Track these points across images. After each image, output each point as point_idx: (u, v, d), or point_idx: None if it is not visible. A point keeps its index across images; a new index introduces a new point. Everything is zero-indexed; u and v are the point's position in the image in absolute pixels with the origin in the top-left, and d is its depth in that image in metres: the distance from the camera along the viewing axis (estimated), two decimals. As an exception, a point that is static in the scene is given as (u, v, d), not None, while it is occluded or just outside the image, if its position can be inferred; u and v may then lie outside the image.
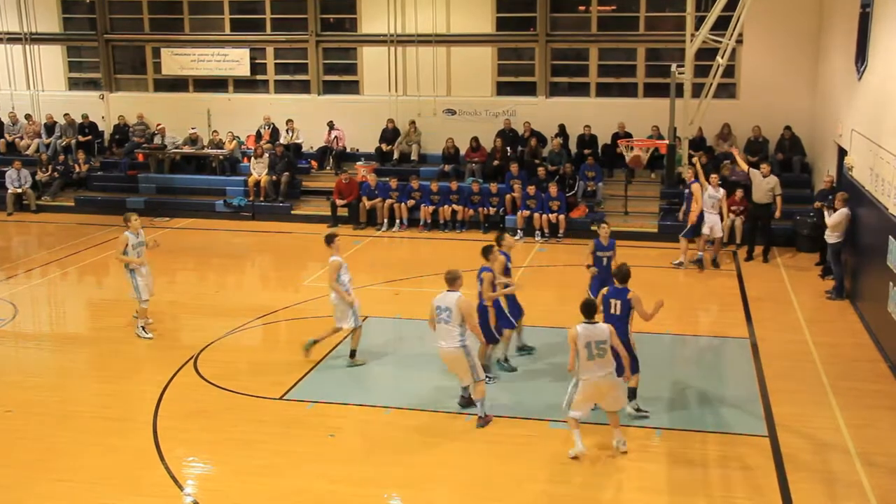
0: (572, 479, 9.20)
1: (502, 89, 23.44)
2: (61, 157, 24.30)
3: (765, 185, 17.72)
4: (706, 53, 17.78)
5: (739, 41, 19.64)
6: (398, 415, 10.73)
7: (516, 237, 19.78)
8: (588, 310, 9.57)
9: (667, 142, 18.73)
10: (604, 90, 22.94)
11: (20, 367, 12.78)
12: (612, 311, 10.35)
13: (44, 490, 9.09)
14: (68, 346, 13.63)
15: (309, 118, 23.70)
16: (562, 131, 22.18)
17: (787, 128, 20.95)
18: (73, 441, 10.08)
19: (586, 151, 21.75)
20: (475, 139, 22.27)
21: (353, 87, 24.31)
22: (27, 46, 25.84)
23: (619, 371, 9.76)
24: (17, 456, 9.79)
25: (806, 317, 14.23)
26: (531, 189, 20.04)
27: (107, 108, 25.68)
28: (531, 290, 15.92)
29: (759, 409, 10.79)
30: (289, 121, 23.65)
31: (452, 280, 10.42)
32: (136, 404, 11.00)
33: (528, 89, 23.23)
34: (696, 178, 17.32)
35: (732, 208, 18.90)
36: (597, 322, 9.55)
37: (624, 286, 10.44)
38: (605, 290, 10.60)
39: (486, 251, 11.80)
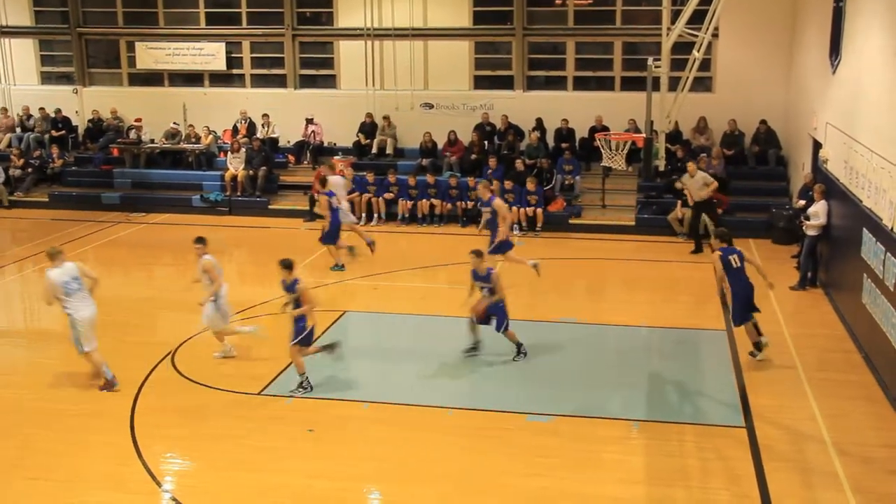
0: (551, 471, 9.24)
1: (479, 83, 23.44)
2: (35, 152, 24.05)
3: (696, 183, 18.04)
4: (682, 47, 17.81)
5: (715, 35, 19.73)
6: (377, 409, 10.74)
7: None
8: None
9: (644, 135, 18.77)
10: (581, 84, 23.00)
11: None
12: None
13: (20, 488, 9.00)
14: (43, 342, 13.49)
15: (285, 112, 23.61)
16: (539, 125, 22.23)
17: (763, 121, 21.11)
18: (48, 438, 9.99)
19: (564, 145, 21.80)
20: (453, 133, 22.26)
21: (329, 82, 24.22)
22: (-1, 40, 25.56)
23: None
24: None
25: (781, 309, 14.34)
26: (508, 183, 20.06)
27: (81, 103, 25.42)
28: (508, 282, 15.96)
29: (736, 401, 10.88)
30: (265, 115, 23.55)
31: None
32: (112, 400, 10.92)
33: (506, 83, 23.24)
34: (494, 196, 15.78)
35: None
36: None
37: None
38: None
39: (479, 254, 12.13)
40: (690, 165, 18.33)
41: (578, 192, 21.08)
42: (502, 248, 15.14)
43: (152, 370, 11.87)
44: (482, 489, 8.93)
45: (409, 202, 20.71)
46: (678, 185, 19.10)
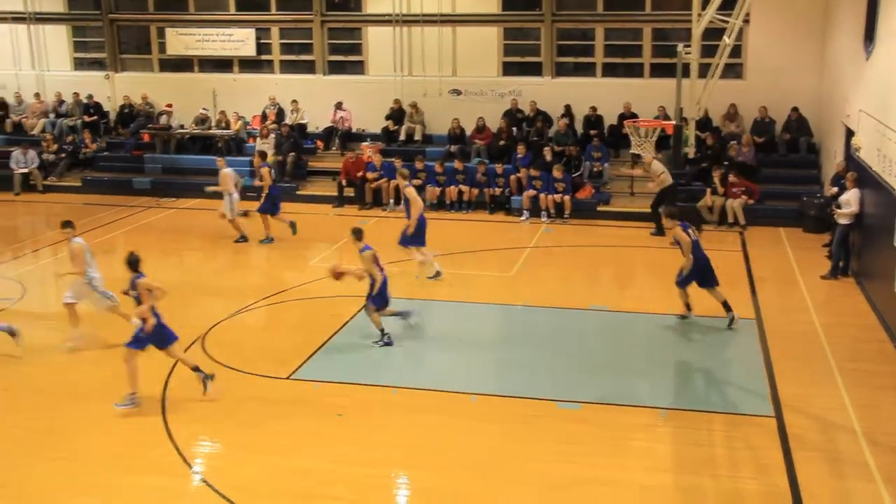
0: (578, 458, 9.22)
1: (508, 69, 23.31)
2: (68, 138, 24.28)
3: (655, 172, 18.27)
4: (713, 33, 17.63)
5: (746, 21, 19.48)
6: (405, 394, 10.76)
7: (522, 218, 19.83)
8: None
9: (673, 122, 18.62)
10: (610, 70, 22.82)
11: (27, 346, 12.81)
12: None
13: (48, 468, 9.11)
14: (77, 324, 13.63)
15: (314, 98, 23.64)
16: (568, 111, 22.09)
17: (795, 108, 20.84)
18: (79, 419, 10.12)
19: (592, 132, 21.67)
20: (481, 119, 22.19)
21: (358, 68, 24.21)
22: (31, 26, 25.74)
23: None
24: (20, 434, 9.83)
25: (812, 297, 14.20)
26: (535, 171, 19.99)
27: (112, 89, 25.61)
28: (537, 270, 15.97)
29: (764, 390, 10.79)
30: (294, 101, 23.60)
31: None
32: (143, 383, 10.97)
33: (534, 69, 23.09)
34: (409, 183, 15.68)
35: (734, 190, 18.88)
36: None
37: None
38: None
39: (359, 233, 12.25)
40: (646, 157, 18.45)
41: (607, 180, 20.95)
42: (413, 240, 14.96)
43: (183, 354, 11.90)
44: (509, 476, 8.92)
45: (437, 188, 20.69)
46: (632, 172, 19.55)
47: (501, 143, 21.70)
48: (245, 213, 18.00)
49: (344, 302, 13.67)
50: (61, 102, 25.44)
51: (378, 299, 12.18)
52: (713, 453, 9.35)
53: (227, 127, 23.56)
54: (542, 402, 10.47)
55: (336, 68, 24.37)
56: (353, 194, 21.14)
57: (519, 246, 17.73)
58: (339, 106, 23.33)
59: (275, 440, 9.63)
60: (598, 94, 22.20)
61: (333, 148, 23.28)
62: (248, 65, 24.84)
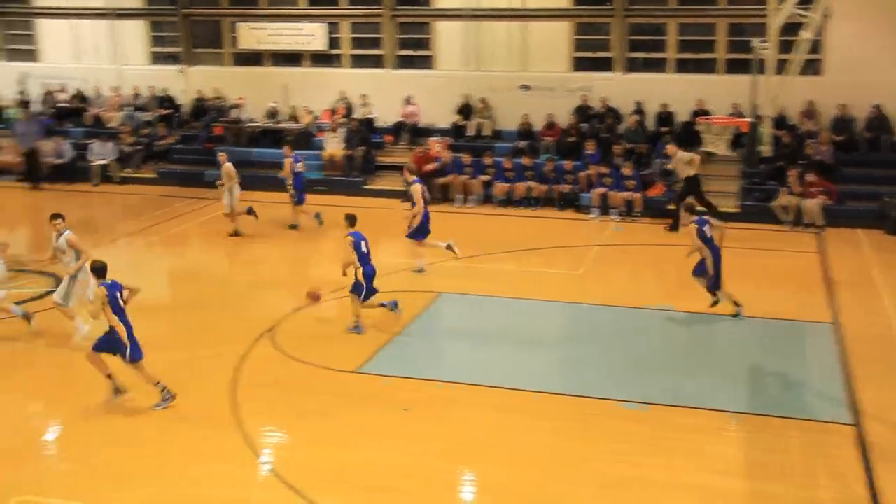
0: (639, 459, 9.08)
1: (578, 65, 23.07)
2: (144, 131, 24.84)
3: (679, 161, 17.95)
4: (790, 28, 17.19)
5: (826, 15, 18.93)
6: (471, 391, 10.74)
7: (591, 215, 19.63)
8: None
9: (748, 119, 18.25)
10: (682, 66, 22.41)
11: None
12: None
13: (113, 455, 9.28)
14: (150, 314, 13.91)
15: (383, 93, 23.71)
16: (639, 108, 21.78)
17: (876, 106, 20.19)
18: (148, 405, 10.28)
19: (664, 129, 21.32)
20: (550, 115, 22.02)
21: (427, 62, 24.22)
22: (112, 22, 26.38)
23: None
24: (93, 422, 10.06)
25: (893, 301, 13.74)
26: (605, 168, 19.77)
27: (186, 83, 26.10)
28: (605, 268, 15.79)
29: (842, 396, 10.48)
30: (363, 95, 23.73)
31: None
32: (213, 373, 11.20)
33: (605, 65, 22.80)
34: (417, 179, 15.66)
35: (811, 190, 18.38)
36: None
37: None
38: None
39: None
40: (669, 147, 18.36)
41: (678, 178, 20.56)
42: (417, 233, 15.11)
43: (252, 345, 12.11)
44: (570, 475, 8.84)
45: (505, 185, 20.61)
46: (669, 166, 19.01)
47: (571, 139, 21.50)
48: (250, 212, 18.21)
49: (412, 297, 13.73)
50: (137, 96, 26.05)
51: (359, 287, 12.37)
52: (785, 460, 9.10)
53: (297, 121, 23.81)
54: (605, 402, 10.35)
55: (405, 63, 24.43)
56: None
57: (588, 244, 17.57)
58: (407, 101, 23.38)
59: (342, 433, 9.69)
60: (670, 91, 21.82)
61: (402, 142, 23.33)
62: (319, 59, 25.05)
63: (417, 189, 15.14)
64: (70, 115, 26.20)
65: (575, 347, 12.43)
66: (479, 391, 10.72)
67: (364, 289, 12.38)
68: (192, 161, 23.86)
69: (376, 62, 24.56)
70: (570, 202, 20.15)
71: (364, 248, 12.51)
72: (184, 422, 9.96)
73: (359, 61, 24.82)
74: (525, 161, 20.72)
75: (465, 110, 23.16)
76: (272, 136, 24.00)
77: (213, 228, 18.70)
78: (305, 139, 23.54)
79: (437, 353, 12.00)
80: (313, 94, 24.38)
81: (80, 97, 26.59)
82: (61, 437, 9.96)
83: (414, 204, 15.15)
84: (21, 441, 9.63)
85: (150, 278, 16.55)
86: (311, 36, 24.80)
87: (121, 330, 10.06)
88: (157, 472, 8.92)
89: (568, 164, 20.49)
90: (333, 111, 23.86)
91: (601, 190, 19.74)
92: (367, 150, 22.58)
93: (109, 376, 10.36)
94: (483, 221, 19.61)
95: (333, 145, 22.61)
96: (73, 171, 23.63)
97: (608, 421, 9.89)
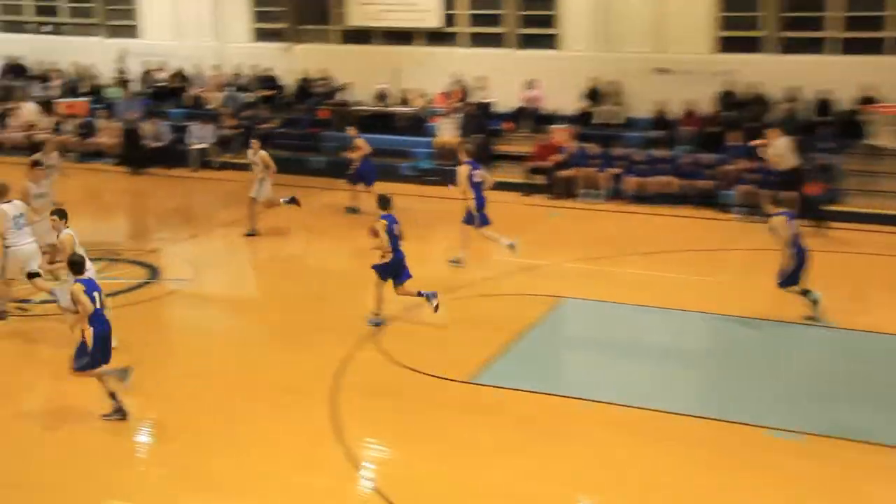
0: (798, 499, 8.62)
1: (723, 45, 22.38)
2: (245, 112, 25.39)
3: (778, 150, 17.76)
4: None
5: None
6: (596, 408, 10.43)
7: (735, 214, 19.03)
8: None
9: (924, 109, 17.32)
10: (846, 46, 21.43)
11: (201, 331, 13.47)
12: None
13: (205, 461, 9.43)
14: (248, 310, 14.21)
15: (503, 75, 23.47)
16: (793, 94, 20.96)
17: None
18: (247, 410, 10.43)
19: (821, 118, 20.46)
20: (689, 102, 21.44)
21: (551, 42, 23.92)
22: (215, -4, 27.18)
23: None
24: (198, 422, 10.23)
25: None
26: (752, 162, 19.11)
27: (291, 61, 26.54)
28: (750, 275, 15.20)
29: None
30: (481, 78, 23.60)
31: None
32: (314, 376, 11.26)
33: (753, 45, 22.05)
34: (469, 160, 15.69)
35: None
36: None
37: None
38: None
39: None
40: (771, 132, 18.05)
41: (839, 174, 19.70)
42: (473, 219, 15.29)
43: (356, 348, 12.13)
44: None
45: (636, 179, 20.19)
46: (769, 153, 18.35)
47: (712, 129, 20.89)
48: (292, 201, 18.16)
49: (532, 300, 13.56)
50: (239, 76, 26.66)
51: (382, 271, 12.66)
52: None
53: (408, 104, 23.91)
54: (753, 429, 9.87)
55: (528, 42, 24.20)
56: (542, 182, 20.94)
57: (729, 247, 17.00)
58: (530, 85, 23.17)
59: (454, 450, 9.57)
60: (830, 74, 20.88)
61: (523, 130, 23.10)
62: (433, 38, 25.09)
63: (461, 171, 15.38)
64: (169, 95, 27.07)
65: (714, 364, 12.04)
66: (608, 410, 10.41)
67: (388, 273, 12.72)
68: (295, 147, 24.21)
69: (496, 41, 24.41)
70: (709, 200, 19.55)
71: (396, 233, 12.75)
72: (281, 430, 10.02)
73: (477, 40, 24.71)
74: (659, 153, 20.24)
75: (594, 95, 22.79)
76: (381, 121, 24.15)
77: (315, 219, 18.92)
78: (417, 125, 23.61)
79: (561, 364, 11.84)
80: (426, 75, 24.40)
81: (179, 76, 27.43)
82: (157, 442, 10.17)
83: (478, 189, 15.41)
84: (117, 443, 9.89)
85: (245, 272, 17.00)
86: (426, 12, 24.85)
87: (88, 334, 9.80)
88: (253, 483, 8.99)
89: (708, 157, 19.91)
90: (448, 95, 23.85)
91: (746, 187, 19.09)
92: (485, 137, 22.48)
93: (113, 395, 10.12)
94: (610, 219, 19.26)
95: (447, 132, 22.59)
96: (172, 155, 24.36)
97: (759, 453, 9.41)
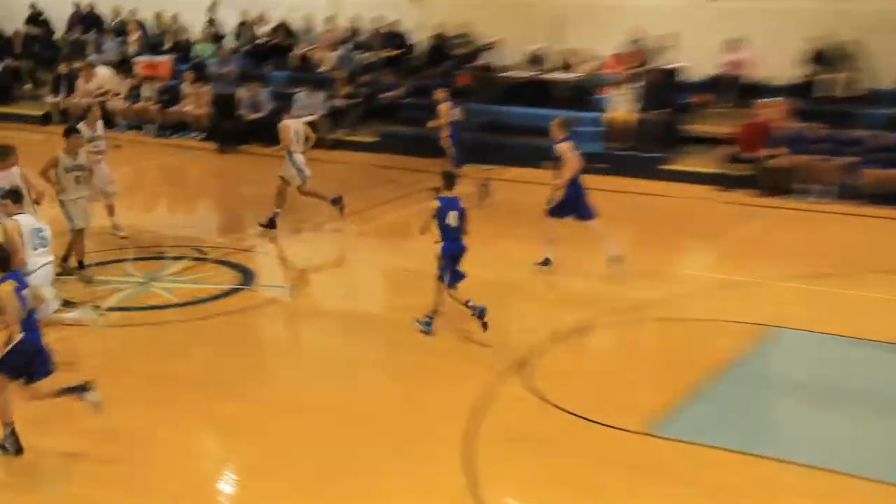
0: None
1: None
2: (364, 77, 25.65)
3: None
4: None
5: None
6: (826, 480, 9.98)
7: None
8: None
9: None
10: None
11: (302, 353, 13.67)
12: None
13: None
14: (359, 329, 14.27)
15: (696, 33, 23.22)
16: None
17: None
18: (361, 456, 10.44)
19: None
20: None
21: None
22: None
23: None
24: (301, 464, 10.32)
25: None
26: None
27: (423, 14, 26.74)
28: None
29: None
30: (667, 35, 23.29)
31: None
32: (444, 417, 11.22)
33: None
34: (568, 137, 15.81)
35: None
36: None
37: None
38: None
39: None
40: None
41: None
42: (559, 210, 15.61)
43: (495, 381, 12.05)
44: None
45: (879, 171, 19.63)
46: None
47: None
48: (336, 202, 18.54)
49: (731, 329, 13.34)
50: (357, 31, 26.95)
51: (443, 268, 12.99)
52: None
53: (571, 70, 23.80)
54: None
55: (732, -12, 23.89)
56: (746, 173, 20.58)
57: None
58: (733, 45, 22.84)
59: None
60: None
61: (722, 105, 22.88)
62: (606, -17, 24.98)
63: (563, 148, 15.51)
64: (271, 54, 27.66)
65: None
66: (837, 481, 9.95)
67: (447, 271, 12.98)
68: (426, 121, 24.33)
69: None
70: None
71: (452, 221, 12.90)
72: (400, 479, 10.01)
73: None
74: (911, 138, 19.68)
75: (819, 59, 22.36)
76: (535, 91, 24.09)
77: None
78: (581, 96, 23.49)
79: (772, 416, 11.59)
80: (595, 32, 24.41)
81: (284, 31, 27.97)
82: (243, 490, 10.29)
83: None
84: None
85: (360, 279, 17.12)
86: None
87: (16, 339, 9.81)
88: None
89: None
90: (623, 58, 23.65)
91: None
92: (671, 113, 22.17)
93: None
94: (840, 224, 18.87)
95: (621, 106, 22.48)
96: (270, 129, 24.76)
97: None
